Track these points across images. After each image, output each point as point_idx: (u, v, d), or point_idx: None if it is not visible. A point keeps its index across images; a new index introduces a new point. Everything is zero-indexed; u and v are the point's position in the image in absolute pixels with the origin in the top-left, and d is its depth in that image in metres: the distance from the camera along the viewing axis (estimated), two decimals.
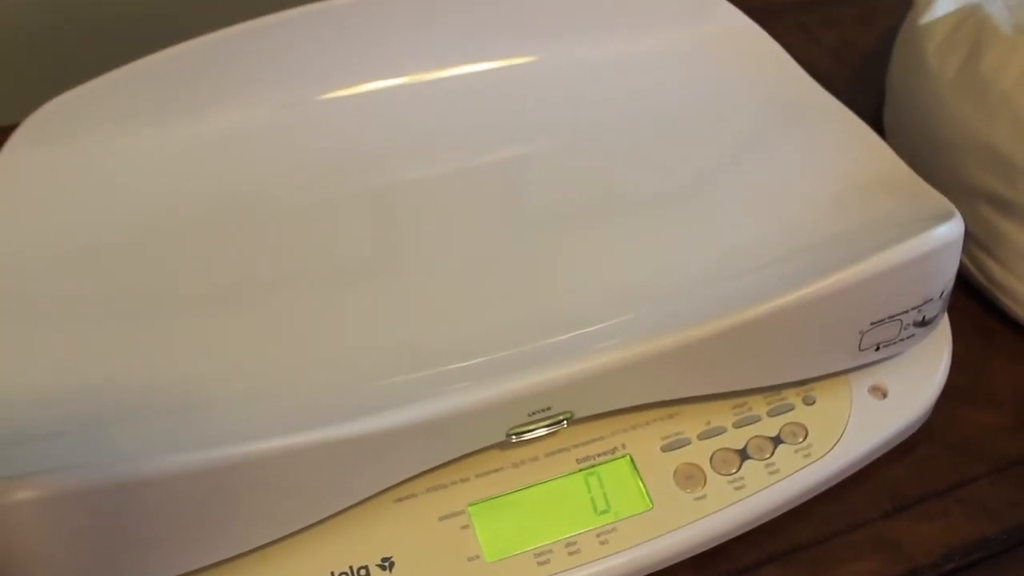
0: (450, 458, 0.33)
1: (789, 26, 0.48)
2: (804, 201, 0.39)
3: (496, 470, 0.34)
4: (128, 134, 0.42)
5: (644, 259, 0.37)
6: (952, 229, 0.35)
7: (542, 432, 0.33)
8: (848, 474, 0.37)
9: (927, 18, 0.47)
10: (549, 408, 0.33)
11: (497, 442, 0.33)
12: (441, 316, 0.34)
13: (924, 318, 0.37)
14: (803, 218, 0.38)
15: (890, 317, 0.36)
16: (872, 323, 0.36)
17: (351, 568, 0.32)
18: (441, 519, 0.33)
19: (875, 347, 0.37)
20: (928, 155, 0.46)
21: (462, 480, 0.34)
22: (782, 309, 0.33)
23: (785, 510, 0.36)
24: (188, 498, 0.29)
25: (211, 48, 0.42)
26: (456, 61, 0.46)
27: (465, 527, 0.33)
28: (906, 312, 0.36)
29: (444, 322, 0.34)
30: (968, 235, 0.43)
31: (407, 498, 0.34)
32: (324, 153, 0.42)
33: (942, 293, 0.37)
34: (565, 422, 0.34)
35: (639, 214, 0.38)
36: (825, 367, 0.37)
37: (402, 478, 0.33)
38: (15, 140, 0.40)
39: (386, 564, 0.32)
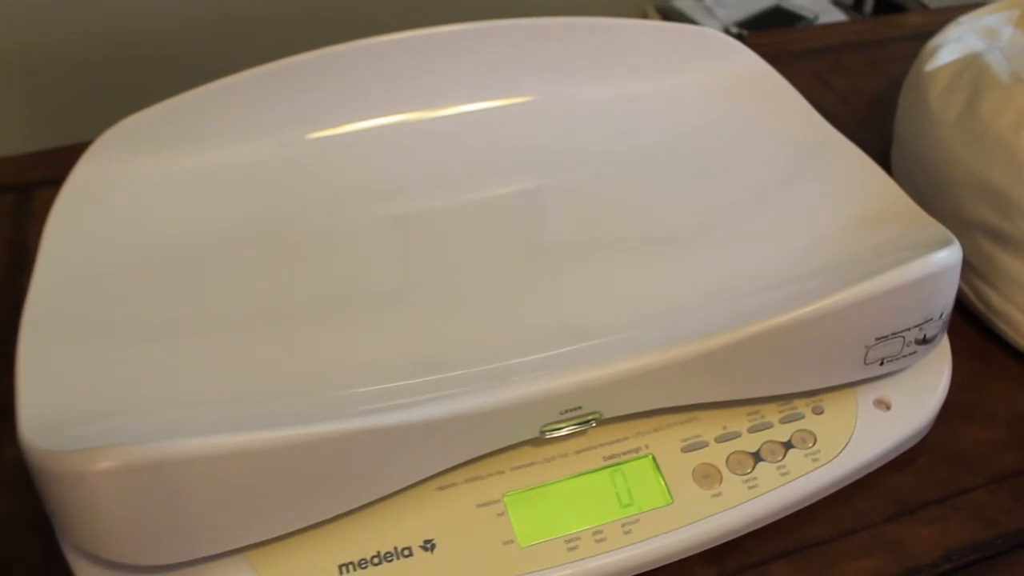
0: (489, 450, 0.36)
1: (803, 72, 0.51)
2: (816, 229, 0.42)
3: (529, 464, 0.37)
4: (190, 153, 0.45)
5: (668, 278, 0.40)
6: (951, 255, 0.39)
7: (572, 430, 0.36)
8: (853, 479, 0.40)
9: (931, 66, 0.51)
10: (580, 408, 0.36)
11: (531, 438, 0.36)
12: (485, 323, 0.38)
13: (925, 336, 0.40)
14: (815, 244, 0.41)
15: (893, 334, 0.39)
16: (877, 339, 0.39)
17: (395, 548, 0.35)
18: (479, 506, 0.36)
19: (879, 362, 0.40)
20: (931, 192, 0.49)
21: (498, 472, 0.37)
22: (796, 322, 0.36)
23: (795, 510, 0.39)
24: (251, 476, 0.32)
25: (265, 78, 0.46)
26: (488, 96, 0.49)
27: (501, 514, 0.36)
28: (908, 330, 0.39)
29: (487, 328, 0.37)
30: (967, 264, 0.46)
31: (448, 487, 0.37)
32: (362, 180, 0.45)
33: (941, 314, 0.40)
34: (594, 422, 0.37)
35: (665, 240, 0.42)
36: (833, 379, 0.40)
37: (445, 467, 0.36)
38: (89, 155, 0.44)
39: (428, 546, 0.35)
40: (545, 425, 0.36)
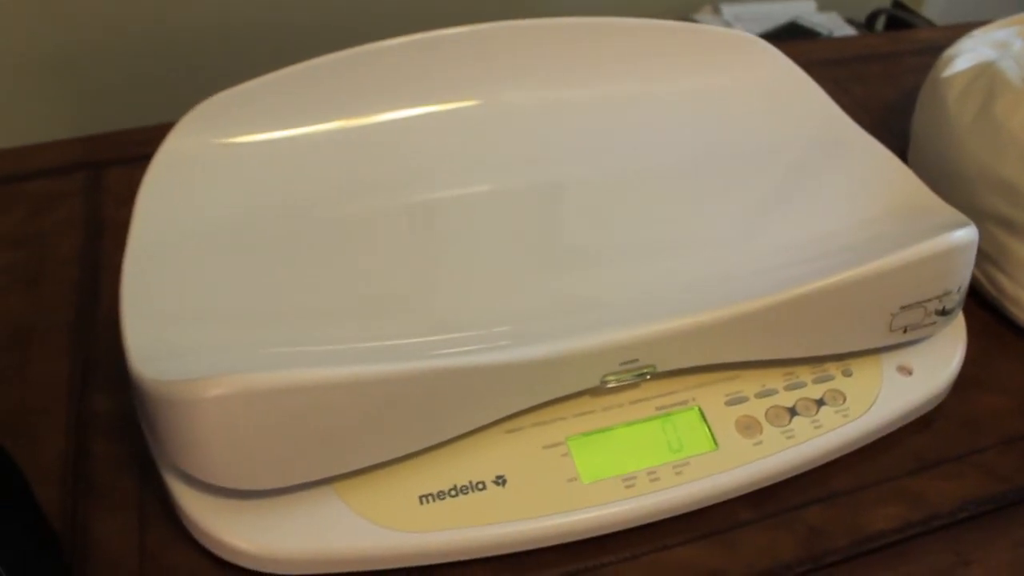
0: (558, 395, 0.40)
1: (824, 79, 0.55)
2: (846, 214, 0.46)
3: (589, 412, 0.41)
4: (270, 131, 0.49)
5: (716, 252, 0.44)
6: (968, 234, 0.43)
7: (629, 381, 0.40)
8: (879, 435, 0.44)
9: (948, 73, 0.55)
10: (637, 360, 0.40)
11: (592, 387, 0.40)
12: (558, 283, 0.42)
13: (944, 308, 0.44)
14: (845, 226, 0.45)
15: (916, 303, 0.43)
16: (902, 307, 0.43)
17: (470, 482, 0.39)
18: (545, 447, 0.40)
19: (903, 329, 0.44)
20: (947, 186, 0.53)
21: (560, 419, 0.41)
22: (832, 288, 0.40)
23: (826, 460, 0.43)
24: (351, 408, 0.36)
25: (345, 61, 0.50)
26: (529, 88, 0.53)
27: (565, 455, 0.40)
28: (929, 300, 0.43)
29: (559, 287, 0.41)
30: (980, 252, 0.51)
31: (516, 430, 0.40)
32: (436, 158, 0.49)
33: (959, 288, 0.44)
34: (648, 375, 0.41)
35: (712, 221, 0.46)
36: (862, 343, 0.44)
37: (519, 408, 0.39)
38: (176, 131, 0.48)
39: (500, 481, 0.39)
40: (606, 375, 0.40)
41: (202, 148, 0.48)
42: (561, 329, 0.39)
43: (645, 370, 0.40)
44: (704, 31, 0.57)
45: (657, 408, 0.42)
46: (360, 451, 0.37)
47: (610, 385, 0.40)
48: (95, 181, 0.57)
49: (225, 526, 0.38)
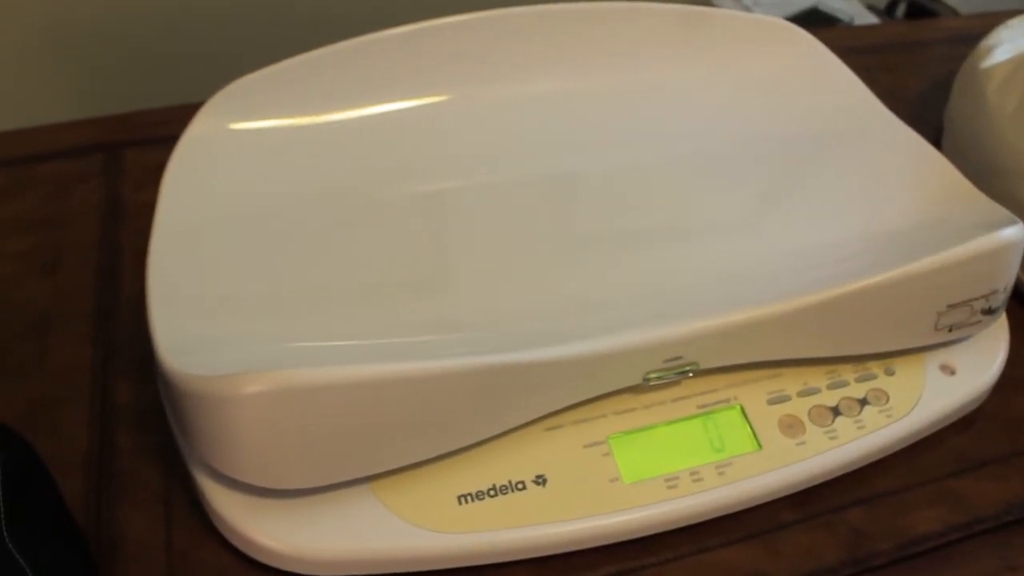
0: (600, 392, 0.39)
1: (854, 67, 0.54)
2: (889, 208, 0.45)
3: (630, 410, 0.40)
4: (297, 114, 0.48)
5: (758, 245, 0.43)
6: (1017, 232, 0.42)
7: (671, 379, 0.39)
8: (922, 436, 0.43)
9: (987, 63, 0.54)
10: (680, 357, 0.39)
11: (634, 385, 0.39)
12: (596, 276, 0.41)
13: (990, 307, 0.43)
14: (889, 221, 0.44)
15: (963, 302, 0.42)
16: (948, 305, 0.42)
17: (510, 481, 0.38)
18: (586, 446, 0.39)
19: (948, 328, 0.43)
20: (985, 178, 0.52)
21: (602, 416, 0.40)
22: (881, 285, 0.39)
23: (869, 461, 0.42)
24: (389, 406, 0.35)
25: (375, 45, 0.48)
26: (556, 75, 0.52)
27: (606, 454, 0.39)
28: (976, 299, 0.42)
29: (598, 280, 0.40)
30: None
31: (555, 428, 0.39)
32: (469, 144, 0.48)
33: (1005, 287, 0.43)
34: (691, 372, 0.39)
35: (755, 213, 0.45)
36: (908, 341, 0.43)
37: (561, 406, 0.38)
38: (202, 114, 0.46)
39: (540, 480, 0.38)
40: (649, 372, 0.39)
41: (228, 132, 0.46)
42: (605, 325, 0.38)
43: (688, 368, 0.39)
44: (737, 17, 0.55)
45: (699, 407, 0.41)
46: (401, 450, 0.36)
47: (652, 383, 0.39)
48: (113, 163, 0.56)
49: (256, 524, 0.37)
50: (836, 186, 0.46)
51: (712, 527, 0.40)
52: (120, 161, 0.56)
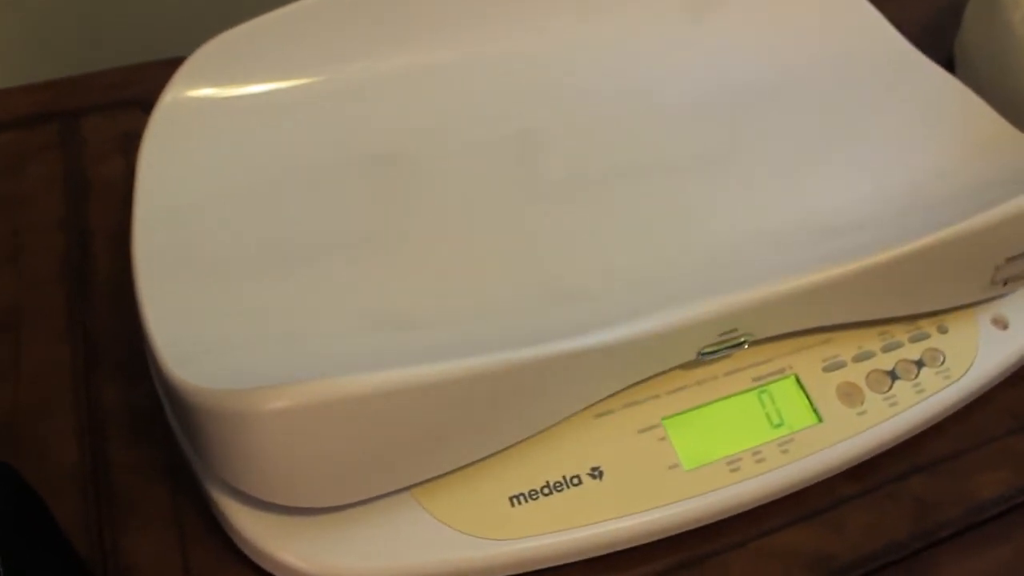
0: (653, 373, 0.36)
1: None
2: (938, 161, 0.42)
3: (682, 388, 0.37)
4: (283, 76, 0.43)
5: (807, 207, 0.39)
6: None
7: (727, 352, 0.36)
8: (980, 394, 0.41)
9: None
10: (735, 329, 0.36)
11: (687, 361, 0.36)
12: (640, 250, 0.37)
13: None
14: (940, 174, 0.41)
15: (1021, 255, 0.40)
16: (1007, 259, 0.39)
17: (564, 477, 0.35)
18: (640, 431, 0.36)
19: (1003, 282, 0.40)
20: (1009, 116, 0.49)
21: (653, 397, 0.37)
22: (944, 241, 0.36)
23: (929, 425, 0.39)
24: (426, 411, 0.31)
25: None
26: (591, 27, 0.47)
27: (662, 439, 0.36)
28: None
29: (648, 255, 0.37)
30: None
31: (605, 414, 0.36)
32: (471, 104, 0.43)
33: None
34: (746, 343, 0.36)
35: (796, 170, 0.41)
36: (964, 298, 0.40)
37: (612, 392, 0.35)
38: (179, 78, 0.41)
39: (596, 473, 0.35)
40: (704, 347, 0.36)
41: (210, 96, 0.41)
42: (655, 302, 0.34)
43: (743, 339, 0.36)
44: None
45: (753, 379, 0.38)
46: (446, 455, 0.33)
47: (706, 359, 0.36)
48: (70, 133, 0.50)
49: (287, 545, 0.33)
50: (876, 136, 0.43)
51: (772, 508, 0.37)
52: (77, 130, 0.51)
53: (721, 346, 0.36)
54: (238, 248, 0.36)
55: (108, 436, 0.38)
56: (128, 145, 0.48)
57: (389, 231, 0.37)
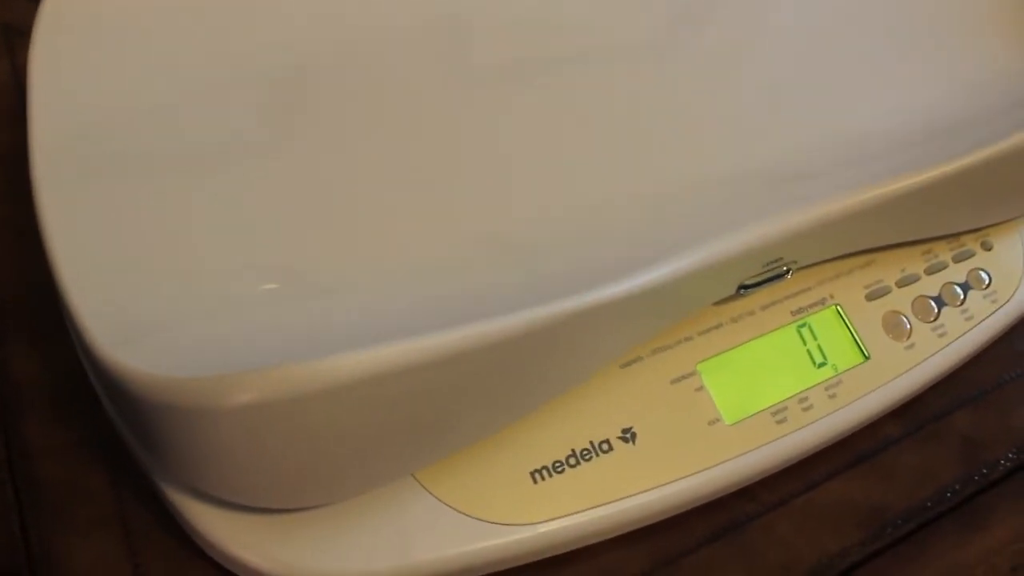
0: (690, 312, 0.30)
1: None
2: (982, 67, 0.37)
3: (716, 326, 0.32)
4: None
5: (847, 126, 0.34)
6: None
7: (770, 283, 0.31)
8: None
9: None
10: (780, 258, 0.31)
11: (726, 296, 0.31)
12: (669, 175, 0.31)
13: None
14: (984, 79, 0.36)
15: None
16: None
17: (592, 443, 0.29)
18: (672, 382, 0.31)
19: None
20: None
21: (684, 339, 0.31)
22: (1001, 154, 0.32)
23: (976, 354, 0.35)
24: (429, 388, 0.25)
25: None
26: None
27: (699, 389, 0.31)
28: None
29: (685, 179, 0.31)
30: None
31: (632, 363, 0.31)
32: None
33: None
34: (789, 273, 0.31)
35: (832, 86, 0.35)
36: (1011, 213, 0.36)
37: (644, 341, 0.30)
38: None
39: (628, 436, 0.30)
40: (745, 279, 0.30)
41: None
42: (690, 231, 0.29)
43: (786, 267, 0.31)
44: None
45: (792, 312, 0.33)
46: (455, 434, 0.27)
47: (746, 293, 0.31)
48: None
49: (265, 548, 0.27)
50: (919, 47, 0.37)
51: (816, 457, 0.33)
52: None
53: (764, 276, 0.31)
54: (170, 185, 0.28)
55: (22, 413, 0.31)
56: (12, 42, 0.39)
57: (357, 151, 0.30)
